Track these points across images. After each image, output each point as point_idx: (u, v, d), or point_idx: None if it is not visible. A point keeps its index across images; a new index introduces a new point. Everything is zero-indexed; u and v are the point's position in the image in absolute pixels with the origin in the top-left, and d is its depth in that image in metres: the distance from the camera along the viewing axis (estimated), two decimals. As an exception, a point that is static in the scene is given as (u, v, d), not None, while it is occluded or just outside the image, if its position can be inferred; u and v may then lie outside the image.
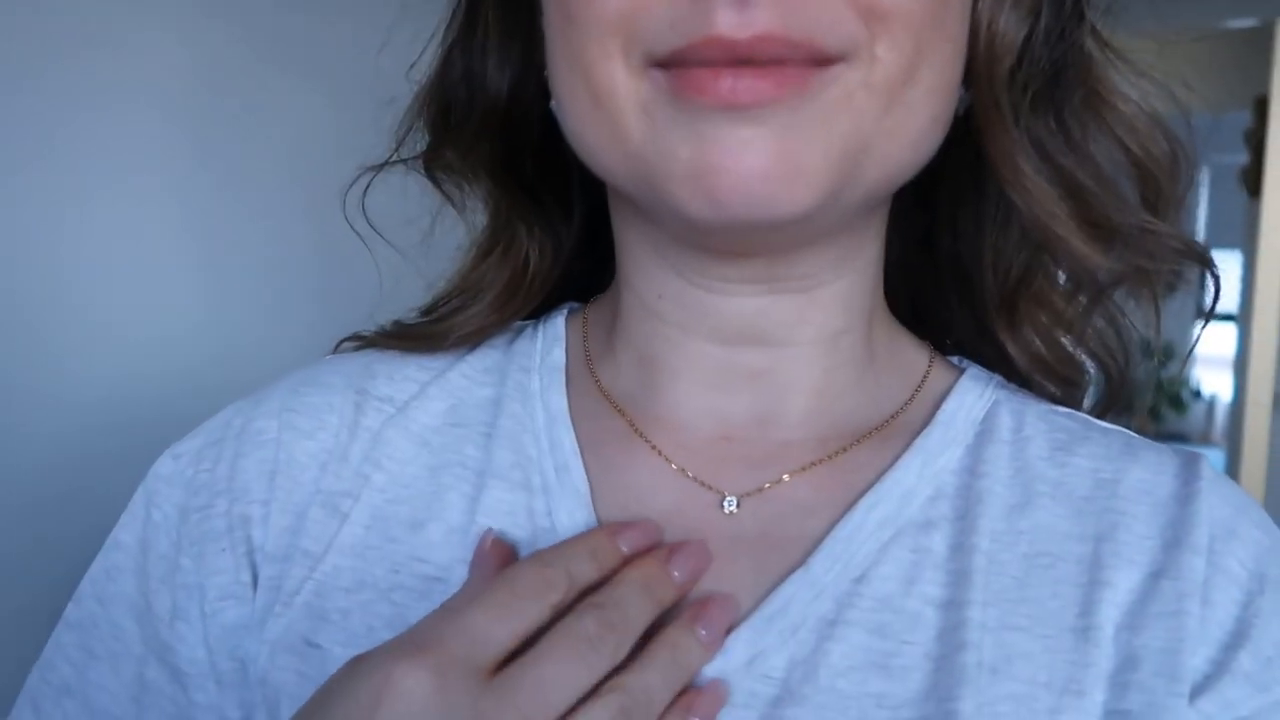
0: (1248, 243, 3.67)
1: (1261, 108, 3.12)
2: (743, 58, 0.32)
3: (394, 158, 0.48)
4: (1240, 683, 0.36)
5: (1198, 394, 6.25)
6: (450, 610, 0.35)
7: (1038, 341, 0.44)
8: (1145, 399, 0.47)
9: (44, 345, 1.21)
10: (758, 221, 0.34)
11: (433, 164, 0.47)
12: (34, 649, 0.45)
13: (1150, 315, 0.45)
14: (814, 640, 0.37)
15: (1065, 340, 0.45)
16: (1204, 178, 6.21)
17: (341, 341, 0.49)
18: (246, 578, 0.42)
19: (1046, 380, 0.44)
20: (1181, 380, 6.16)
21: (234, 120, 1.40)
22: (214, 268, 1.39)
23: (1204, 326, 0.47)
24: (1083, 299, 0.44)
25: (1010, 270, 0.44)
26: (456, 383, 0.46)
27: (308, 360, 0.49)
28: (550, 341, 0.46)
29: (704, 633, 0.36)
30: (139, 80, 1.28)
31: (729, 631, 0.37)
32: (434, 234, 0.50)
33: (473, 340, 0.47)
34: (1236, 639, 0.37)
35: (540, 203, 0.47)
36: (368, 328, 0.49)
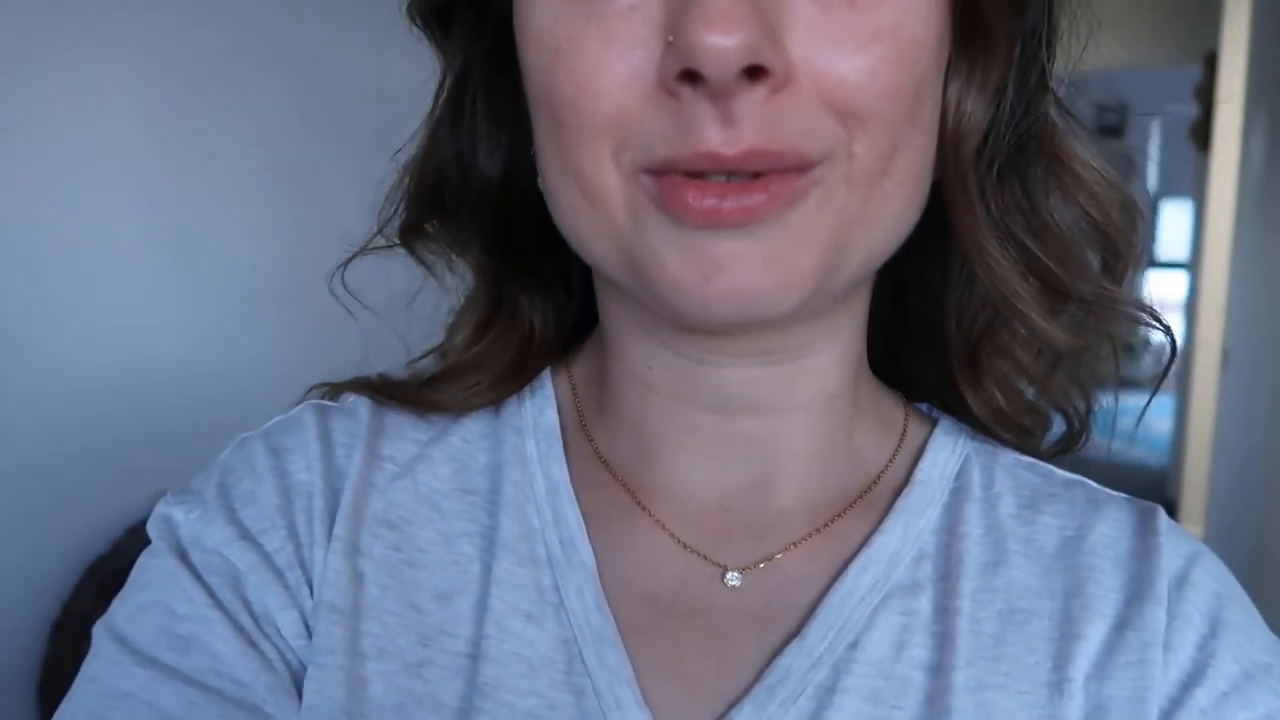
0: (1197, 194, 3.74)
1: (1211, 63, 3.17)
2: (731, 170, 0.33)
3: (378, 236, 0.47)
4: (1196, 717, 0.38)
5: (1148, 341, 6.36)
6: None
7: (998, 395, 0.45)
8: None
9: (16, 337, 1.19)
10: (748, 323, 0.35)
11: (413, 237, 0.47)
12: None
13: (1110, 365, 0.48)
14: (813, 708, 0.38)
15: (1028, 391, 0.46)
16: (1156, 130, 6.29)
17: (311, 390, 0.48)
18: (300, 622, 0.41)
19: (1004, 431, 0.46)
20: (1136, 336, 6.25)
21: (205, 113, 1.38)
22: (185, 258, 1.38)
23: (1162, 378, 0.49)
24: (1044, 358, 0.46)
25: (974, 325, 0.45)
26: (458, 447, 0.45)
27: (276, 354, 0.48)
28: (540, 402, 0.46)
29: None
30: (110, 74, 1.26)
31: (732, 705, 0.38)
32: (414, 300, 0.49)
33: (475, 408, 0.46)
34: (1193, 678, 0.39)
35: (538, 271, 0.47)
36: (341, 376, 0.48)
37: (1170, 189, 6.45)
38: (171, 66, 1.34)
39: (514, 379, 0.46)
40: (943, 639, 0.39)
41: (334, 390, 0.47)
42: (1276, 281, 2.32)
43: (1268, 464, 2.38)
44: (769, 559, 0.41)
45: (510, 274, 0.46)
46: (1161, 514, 0.43)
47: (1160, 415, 5.28)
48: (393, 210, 0.46)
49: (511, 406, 0.46)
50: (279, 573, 0.41)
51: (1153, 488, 3.87)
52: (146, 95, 1.30)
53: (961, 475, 0.44)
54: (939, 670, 0.39)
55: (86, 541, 1.29)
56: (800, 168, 0.34)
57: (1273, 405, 2.30)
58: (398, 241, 0.47)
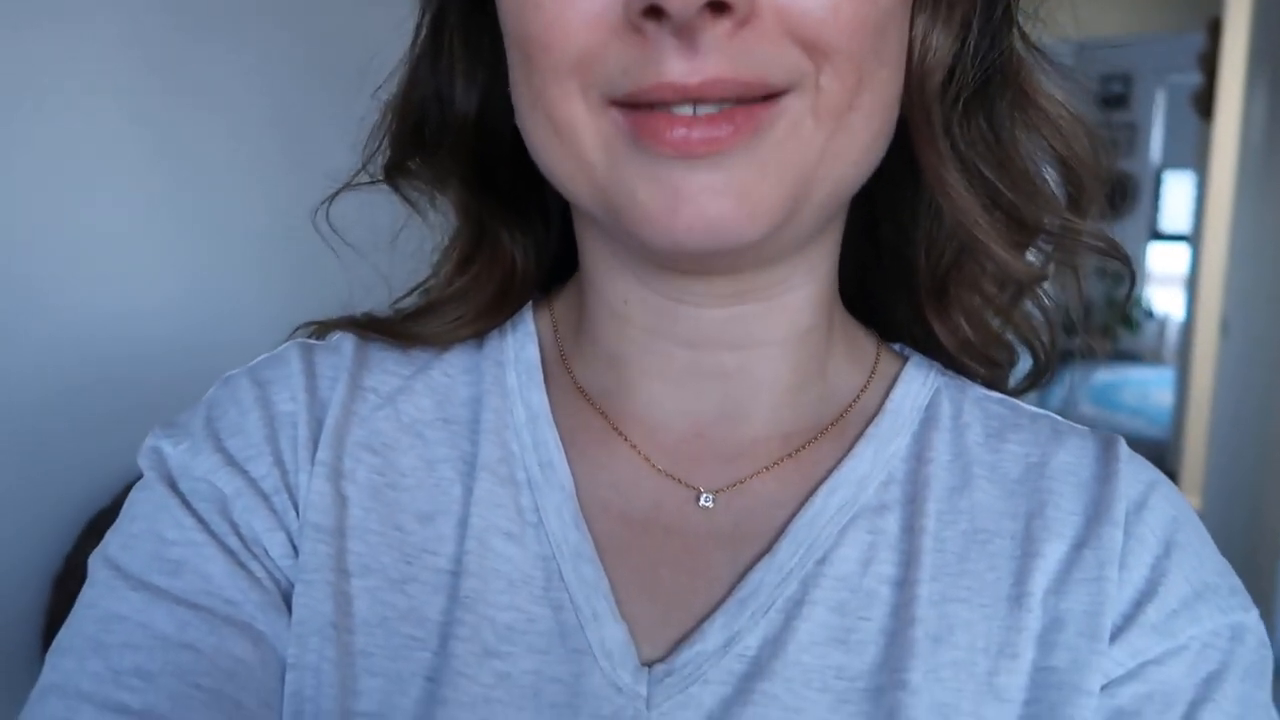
0: (1200, 164, 3.73)
1: (1215, 30, 3.15)
2: (694, 99, 0.34)
3: (361, 173, 0.48)
4: (1147, 632, 0.40)
5: (1150, 313, 6.38)
6: None
7: (965, 326, 0.46)
8: (1100, 319, 0.51)
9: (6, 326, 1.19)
10: (715, 251, 0.36)
11: (396, 174, 0.48)
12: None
13: (1073, 298, 0.48)
14: (782, 620, 0.40)
15: (994, 323, 0.47)
16: (1160, 99, 6.26)
17: (298, 329, 0.49)
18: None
19: (972, 362, 0.47)
20: (1134, 300, 6.27)
21: (198, 46, 1.37)
22: (177, 195, 1.37)
23: (1121, 320, 0.50)
24: (1009, 289, 0.47)
25: (943, 257, 0.46)
26: (439, 380, 0.46)
27: (267, 294, 0.48)
28: (522, 337, 0.47)
29: None
30: (90, 55, 1.25)
31: (704, 618, 0.40)
32: (398, 238, 0.50)
33: (457, 340, 0.48)
34: (1145, 596, 0.40)
35: (518, 207, 0.48)
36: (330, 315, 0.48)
37: (1174, 160, 6.43)
38: (168, 3, 1.33)
39: (496, 312, 0.47)
40: (908, 555, 0.41)
41: (320, 329, 0.49)
42: (1276, 252, 2.32)
43: (1264, 434, 2.38)
44: (741, 482, 0.43)
45: (491, 210, 0.47)
46: (1122, 444, 0.45)
47: (1161, 388, 5.29)
48: (375, 147, 0.47)
49: (493, 342, 0.47)
50: (265, 497, 0.42)
51: (1154, 460, 3.86)
52: (136, 25, 1.29)
53: (931, 406, 0.46)
54: (904, 584, 0.40)
55: (87, 495, 1.31)
56: (765, 97, 0.35)
57: (1270, 376, 2.30)
58: (381, 178, 0.48)
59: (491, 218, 0.47)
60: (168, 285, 1.36)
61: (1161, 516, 0.43)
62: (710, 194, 0.34)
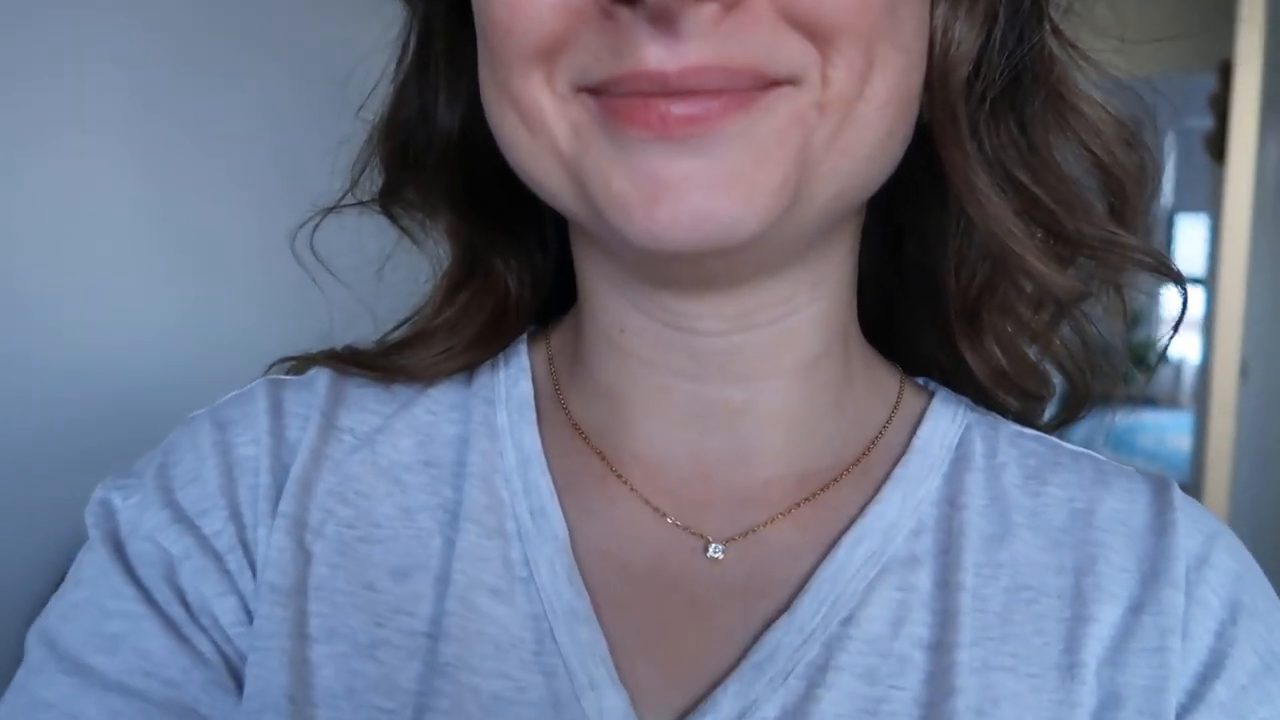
0: (1213, 206, 3.71)
1: (1226, 72, 3.14)
2: (674, 90, 0.30)
3: (349, 198, 0.46)
4: (1215, 713, 0.36)
5: (1165, 357, 6.33)
6: None
7: (999, 354, 0.43)
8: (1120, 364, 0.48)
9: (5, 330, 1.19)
10: (704, 250, 0.32)
11: (390, 201, 0.45)
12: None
13: (1118, 323, 0.44)
14: (804, 688, 0.36)
15: (1029, 351, 0.44)
16: (1170, 142, 6.26)
17: (274, 365, 0.46)
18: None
19: (1007, 394, 0.43)
20: (1148, 344, 6.23)
21: (197, 85, 1.37)
22: (175, 233, 1.37)
23: (1171, 336, 0.47)
24: (1047, 311, 0.43)
25: (974, 279, 0.42)
26: (423, 418, 0.43)
27: (266, 333, 0.47)
28: (515, 372, 0.44)
29: None
30: (100, 43, 1.26)
31: (716, 684, 0.36)
32: (385, 269, 0.48)
33: (445, 376, 0.44)
34: (1211, 669, 0.37)
35: (511, 232, 0.45)
36: (310, 349, 0.46)
37: (1185, 204, 6.42)
38: (163, 37, 1.34)
39: (487, 344, 0.44)
40: (944, 615, 0.37)
41: (299, 364, 0.45)
42: (1295, 294, 2.29)
43: (1289, 480, 2.34)
44: (754, 530, 0.39)
45: (482, 235, 0.44)
46: (1175, 489, 0.41)
47: (1178, 432, 5.23)
48: (362, 169, 0.44)
49: (484, 377, 0.44)
50: (218, 557, 0.38)
51: (1171, 505, 3.80)
52: (137, 66, 1.30)
53: (963, 444, 0.42)
54: (941, 648, 0.36)
55: (81, 511, 1.31)
56: (760, 86, 0.31)
57: (1293, 420, 2.26)
58: (377, 209, 0.45)
59: (483, 243, 0.44)
60: (161, 314, 1.36)
61: (1225, 575, 0.38)
62: (696, 182, 0.30)
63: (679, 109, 0.30)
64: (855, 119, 0.33)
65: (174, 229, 1.36)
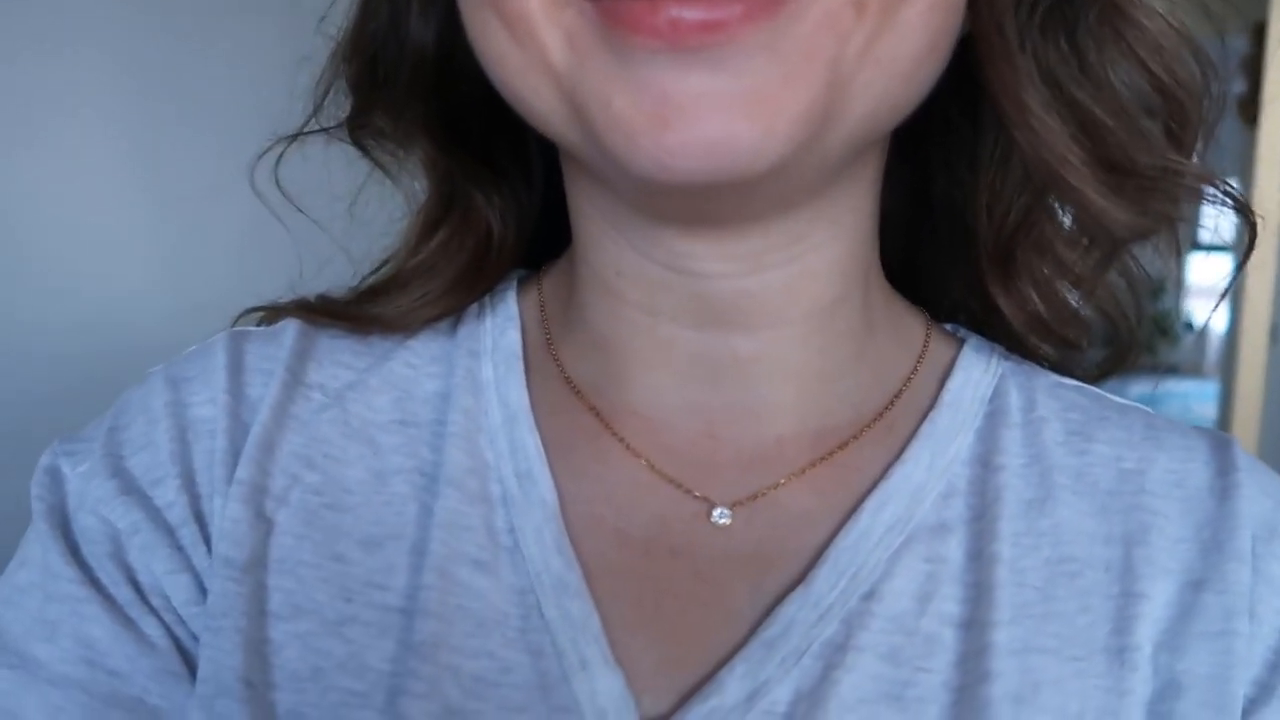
0: (1245, 171, 3.64)
1: (1259, 34, 3.07)
2: None
3: (313, 124, 0.42)
4: None
5: (1189, 325, 6.25)
6: None
7: (1035, 299, 0.39)
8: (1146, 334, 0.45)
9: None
10: (718, 182, 0.28)
11: (360, 129, 0.41)
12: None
13: (1170, 262, 0.41)
14: (820, 669, 0.33)
15: (1070, 296, 0.40)
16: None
17: (243, 314, 0.43)
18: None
19: (1043, 342, 0.40)
20: (1172, 313, 6.15)
21: (185, 56, 1.36)
22: (166, 214, 1.36)
23: (1241, 265, 0.43)
24: (1094, 251, 0.39)
25: (1009, 215, 0.39)
26: (400, 372, 0.40)
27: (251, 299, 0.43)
28: (502, 321, 0.41)
29: None
30: (85, 22, 1.25)
31: (722, 664, 0.33)
32: (357, 205, 0.44)
33: (424, 325, 0.41)
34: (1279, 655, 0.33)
35: (494, 165, 0.42)
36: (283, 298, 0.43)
37: (1216, 169, 6.30)
38: (150, 8, 1.33)
39: (469, 288, 0.41)
40: (978, 590, 0.34)
41: (270, 315, 0.42)
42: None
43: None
44: (764, 492, 0.36)
45: (462, 168, 0.41)
46: (1237, 446, 0.37)
47: (1203, 401, 5.17)
48: (326, 91, 0.41)
49: (469, 327, 0.41)
50: (170, 531, 0.36)
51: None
52: (124, 42, 1.29)
53: (997, 397, 0.38)
54: (973, 626, 0.33)
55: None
56: None
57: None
58: (342, 133, 0.41)
59: (462, 176, 0.41)
60: (146, 273, 1.35)
61: None
62: (711, 104, 0.27)
63: (692, 14, 0.26)
64: (897, 24, 0.28)
65: (157, 191, 1.36)
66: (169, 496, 0.37)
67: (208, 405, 0.38)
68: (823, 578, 0.34)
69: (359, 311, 0.41)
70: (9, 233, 1.21)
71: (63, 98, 1.25)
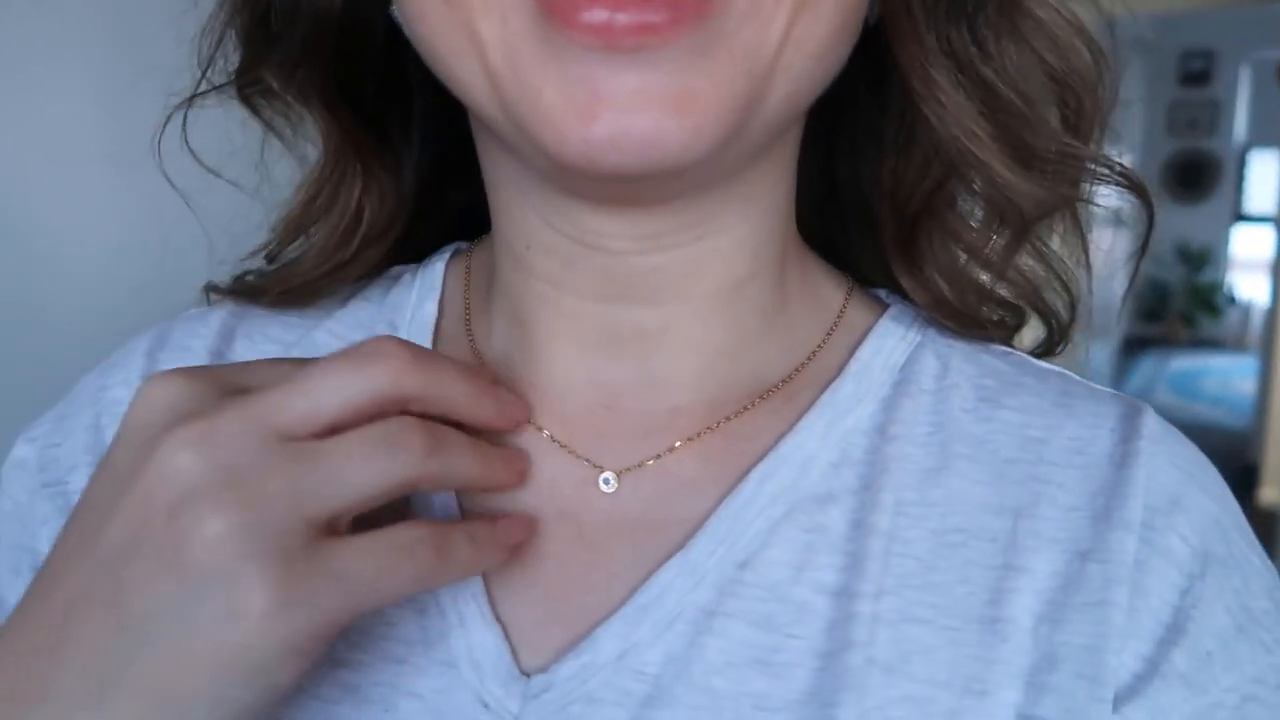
0: (1288, 141, 3.56)
1: (1306, 0, 3.01)
2: None
3: (203, 86, 0.40)
4: (1174, 685, 0.32)
5: (1232, 299, 6.16)
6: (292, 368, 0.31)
7: (939, 280, 0.39)
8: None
9: None
10: (644, 175, 0.29)
11: (249, 86, 0.40)
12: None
13: (1077, 248, 0.40)
14: (690, 633, 0.33)
15: (983, 281, 0.40)
16: (1244, 75, 6.01)
17: (205, 287, 0.44)
18: None
19: (957, 325, 0.39)
20: (1215, 285, 6.05)
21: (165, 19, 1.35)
22: (139, 173, 1.36)
23: (1140, 258, 0.41)
24: (1003, 234, 0.39)
25: (911, 198, 0.39)
26: (323, 343, 0.40)
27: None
28: (424, 293, 0.41)
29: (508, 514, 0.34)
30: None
31: (596, 625, 0.34)
32: (266, 165, 0.42)
33: (315, 293, 0.41)
34: (1172, 633, 0.32)
35: (382, 134, 0.41)
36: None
37: (1259, 139, 6.17)
38: None
39: (337, 267, 0.41)
40: (854, 559, 0.34)
41: (221, 292, 0.43)
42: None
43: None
44: (652, 460, 0.36)
45: (345, 136, 0.40)
46: (1149, 414, 0.36)
47: (1244, 376, 5.09)
48: (215, 46, 0.39)
49: (398, 295, 0.42)
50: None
51: (1234, 451, 3.74)
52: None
53: (910, 365, 0.38)
54: (845, 595, 0.33)
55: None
56: None
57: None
58: (233, 94, 0.40)
59: (344, 143, 0.40)
60: (130, 259, 1.33)
61: (1199, 519, 0.34)
62: (640, 100, 0.27)
63: (624, 17, 0.26)
64: (812, 8, 0.29)
65: (131, 165, 1.34)
66: (78, 483, 0.38)
67: (122, 387, 0.40)
68: (701, 545, 0.34)
69: (257, 285, 0.42)
70: None
71: (34, 55, 1.23)
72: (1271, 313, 3.42)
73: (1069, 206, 0.38)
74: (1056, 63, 0.36)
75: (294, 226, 0.41)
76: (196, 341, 0.41)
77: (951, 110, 0.35)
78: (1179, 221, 5.75)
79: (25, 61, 1.25)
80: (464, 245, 0.43)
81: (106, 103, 1.30)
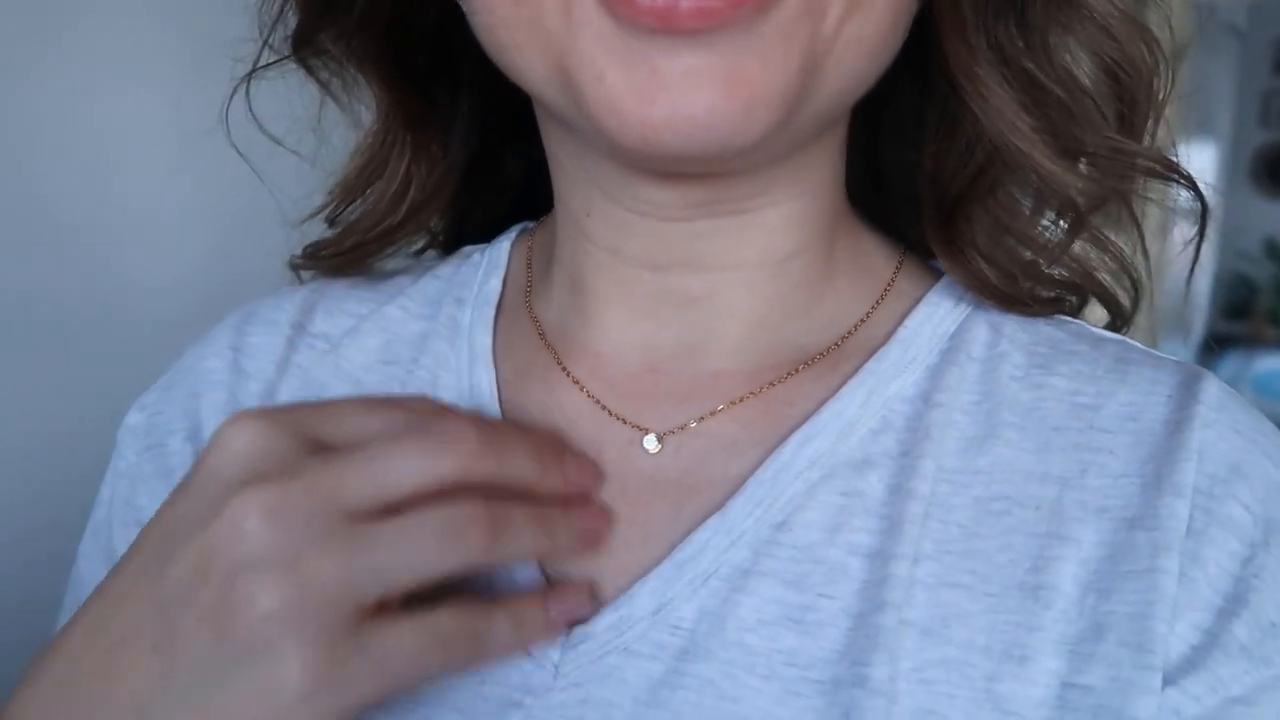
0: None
1: None
2: None
3: (265, 57, 0.42)
4: (1235, 657, 0.31)
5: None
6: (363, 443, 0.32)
7: (979, 261, 0.39)
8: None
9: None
10: (699, 156, 0.30)
11: (304, 47, 0.41)
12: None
13: (1134, 236, 0.40)
14: (725, 590, 0.34)
15: (1031, 260, 0.40)
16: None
17: (292, 258, 0.47)
18: None
19: (994, 300, 0.39)
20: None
21: (240, 35, 1.35)
22: (200, 164, 1.37)
23: (1198, 246, 0.40)
24: (1056, 221, 0.39)
25: (953, 182, 0.39)
26: (393, 316, 0.43)
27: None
28: (490, 269, 0.43)
29: (552, 613, 0.34)
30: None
31: (636, 580, 0.35)
32: (324, 130, 0.44)
33: (368, 255, 0.44)
34: (1232, 603, 0.32)
35: (434, 104, 0.42)
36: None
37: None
38: None
39: (385, 235, 0.44)
40: (891, 523, 0.34)
41: (298, 265, 0.47)
42: None
43: None
44: (694, 423, 0.38)
45: (397, 104, 0.42)
46: (1210, 380, 0.35)
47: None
48: (277, 12, 0.41)
49: (465, 272, 0.44)
50: (170, 473, 0.41)
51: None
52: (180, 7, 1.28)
53: (960, 333, 0.38)
54: (881, 557, 0.34)
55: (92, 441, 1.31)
56: None
57: None
58: (289, 54, 0.42)
59: (396, 112, 0.42)
60: (189, 249, 1.35)
61: (1262, 486, 0.33)
62: (698, 81, 0.28)
63: (688, 1, 0.27)
64: (865, 4, 0.30)
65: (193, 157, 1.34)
66: (176, 445, 0.43)
67: (214, 358, 0.43)
68: (739, 506, 0.36)
69: (327, 253, 0.45)
70: (53, 209, 1.21)
71: (116, 69, 1.25)
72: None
73: (1122, 198, 0.38)
74: (1111, 56, 0.36)
75: (347, 190, 0.44)
76: (281, 315, 0.44)
77: (995, 104, 0.35)
78: (1268, 216, 5.54)
79: (113, 71, 1.28)
80: (530, 225, 0.46)
81: (171, 83, 1.32)
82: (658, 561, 0.35)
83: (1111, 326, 0.42)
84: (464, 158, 0.45)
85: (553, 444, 0.36)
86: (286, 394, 0.42)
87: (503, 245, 0.45)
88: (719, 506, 0.36)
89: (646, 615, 0.35)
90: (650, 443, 0.38)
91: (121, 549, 0.39)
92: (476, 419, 0.33)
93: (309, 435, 0.31)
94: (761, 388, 0.38)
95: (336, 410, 0.33)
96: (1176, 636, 0.32)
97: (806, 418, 0.37)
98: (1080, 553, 0.33)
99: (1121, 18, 0.36)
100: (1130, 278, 0.41)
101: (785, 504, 0.35)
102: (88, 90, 1.23)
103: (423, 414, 0.33)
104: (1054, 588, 0.33)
